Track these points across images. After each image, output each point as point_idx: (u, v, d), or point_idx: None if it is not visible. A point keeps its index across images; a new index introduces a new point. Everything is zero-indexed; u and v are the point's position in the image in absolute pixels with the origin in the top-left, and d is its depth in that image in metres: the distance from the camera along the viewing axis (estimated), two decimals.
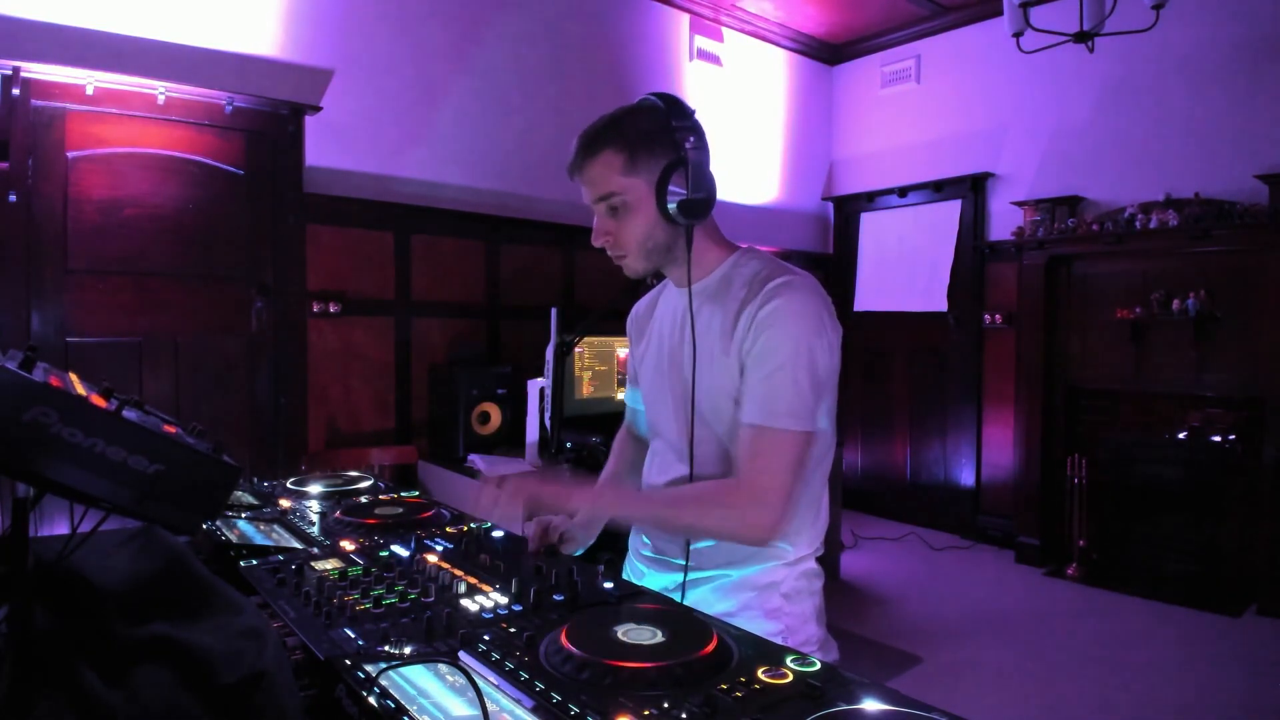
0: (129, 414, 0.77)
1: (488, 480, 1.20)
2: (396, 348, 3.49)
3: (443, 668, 0.77)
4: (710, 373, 1.18)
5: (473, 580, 1.04)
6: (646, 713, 0.69)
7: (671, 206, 1.13)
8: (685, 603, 1.19)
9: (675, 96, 1.18)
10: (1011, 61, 4.22)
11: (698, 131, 1.15)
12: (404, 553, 1.15)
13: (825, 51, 5.46)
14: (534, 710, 0.70)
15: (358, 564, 1.09)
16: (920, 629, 3.49)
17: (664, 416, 1.29)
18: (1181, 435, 3.96)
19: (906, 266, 5.10)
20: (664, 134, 1.14)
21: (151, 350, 2.87)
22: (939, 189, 4.94)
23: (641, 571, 1.32)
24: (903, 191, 5.11)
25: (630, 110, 1.18)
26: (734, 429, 1.15)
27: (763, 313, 1.12)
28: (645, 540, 1.33)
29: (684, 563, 1.21)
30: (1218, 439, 3.85)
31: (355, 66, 3.33)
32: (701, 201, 1.14)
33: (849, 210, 5.48)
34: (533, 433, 3.06)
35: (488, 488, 1.19)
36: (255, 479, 1.62)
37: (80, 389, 0.78)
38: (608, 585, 1.04)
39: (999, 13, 3.73)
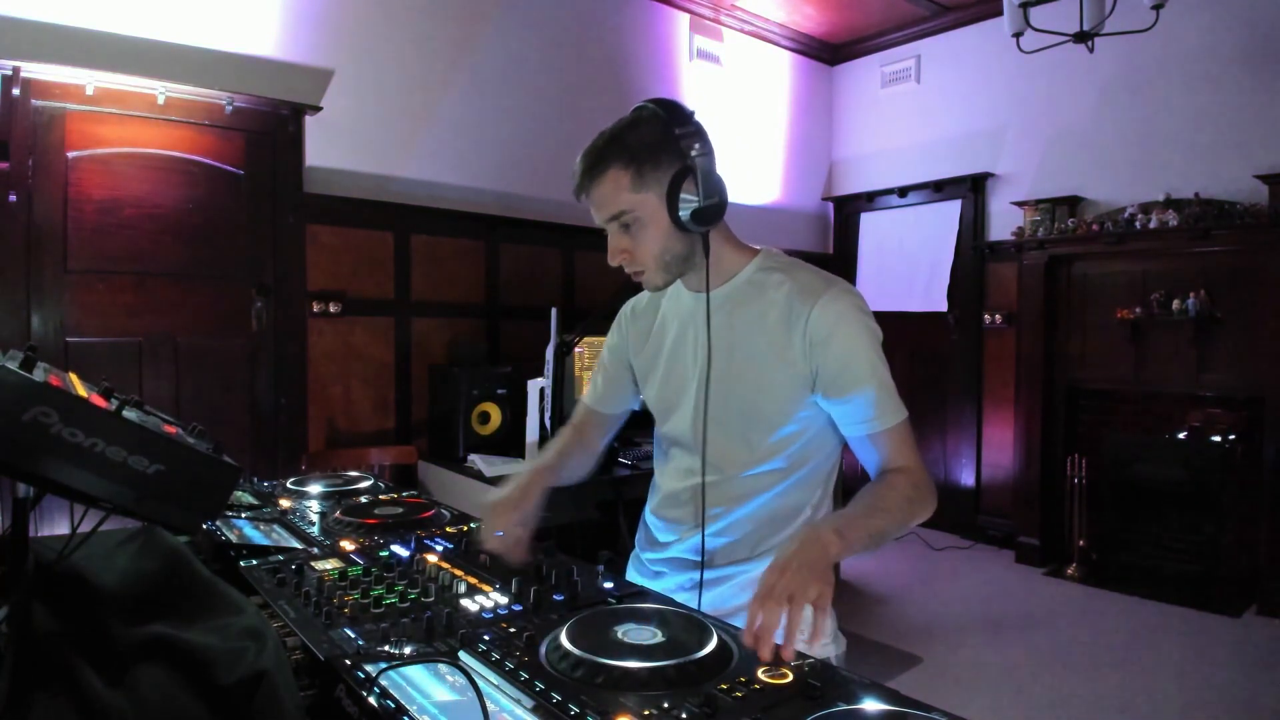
0: (129, 414, 0.77)
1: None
2: (396, 348, 3.49)
3: (443, 668, 0.77)
4: (755, 379, 1.18)
5: (473, 580, 1.04)
6: (646, 713, 0.69)
7: (684, 216, 1.11)
8: (705, 602, 1.20)
9: (674, 101, 1.16)
10: (1011, 61, 4.23)
11: (701, 136, 1.13)
12: (404, 553, 1.15)
13: (825, 51, 5.45)
14: (534, 710, 0.70)
15: (358, 564, 1.09)
16: (920, 629, 3.49)
17: (682, 421, 1.26)
18: (1181, 435, 3.96)
19: (907, 267, 5.10)
20: (667, 143, 1.11)
21: (151, 350, 2.87)
22: (939, 189, 4.94)
23: (661, 572, 1.31)
24: (903, 191, 5.11)
25: (629, 123, 1.14)
26: (772, 430, 1.18)
27: (823, 327, 1.14)
28: (659, 539, 1.32)
29: (700, 560, 1.22)
30: (1218, 439, 3.84)
31: (355, 66, 3.33)
32: (714, 207, 1.12)
33: (849, 210, 5.48)
34: (533, 433, 3.06)
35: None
36: (255, 479, 1.62)
37: (80, 389, 0.78)
38: (608, 585, 1.04)
39: (999, 13, 3.72)
